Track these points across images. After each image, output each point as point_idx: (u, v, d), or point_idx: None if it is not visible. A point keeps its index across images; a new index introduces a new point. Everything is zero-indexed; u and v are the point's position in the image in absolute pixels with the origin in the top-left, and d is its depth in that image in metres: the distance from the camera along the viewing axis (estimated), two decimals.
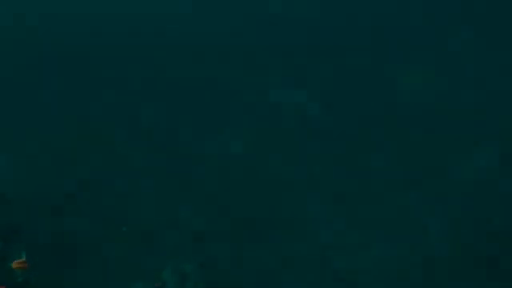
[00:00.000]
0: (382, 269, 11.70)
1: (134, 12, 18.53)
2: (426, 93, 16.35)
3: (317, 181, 13.29)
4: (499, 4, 19.06)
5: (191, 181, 12.86)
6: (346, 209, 12.68)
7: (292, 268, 11.46)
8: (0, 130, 13.91)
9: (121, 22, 17.93)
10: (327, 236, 12.04)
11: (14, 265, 7.54)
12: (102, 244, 11.27)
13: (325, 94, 15.89)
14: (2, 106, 14.62)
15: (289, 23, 18.25)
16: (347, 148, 14.20)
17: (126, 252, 11.25)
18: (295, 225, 12.14)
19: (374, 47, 18.01)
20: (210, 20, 18.66)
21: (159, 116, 14.55)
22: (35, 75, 15.61)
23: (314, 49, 17.67)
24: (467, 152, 14.29)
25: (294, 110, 15.31)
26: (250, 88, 15.88)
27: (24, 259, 7.52)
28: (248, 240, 11.58)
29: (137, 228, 11.75)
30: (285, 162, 13.71)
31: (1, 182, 12.47)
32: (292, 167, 13.57)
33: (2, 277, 7.75)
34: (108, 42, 17.00)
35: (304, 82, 16.33)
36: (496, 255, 12.00)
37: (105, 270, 10.92)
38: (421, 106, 15.84)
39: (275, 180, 13.21)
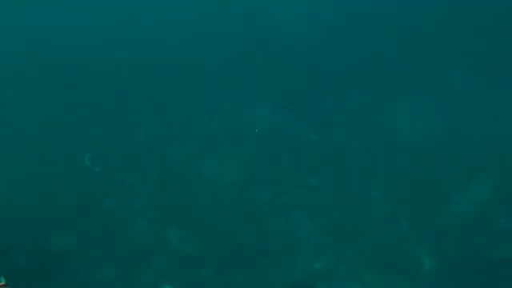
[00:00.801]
0: None
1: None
2: (423, 125, 16.38)
3: (310, 209, 13.19)
4: (498, 40, 19.22)
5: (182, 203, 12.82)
6: (338, 238, 12.53)
7: None
8: None
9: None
10: (316, 266, 11.87)
11: None
12: (87, 265, 11.16)
13: (324, 124, 15.93)
14: None
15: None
16: (344, 177, 14.15)
17: (111, 275, 11.12)
18: (284, 253, 12.01)
19: (373, 78, 18.17)
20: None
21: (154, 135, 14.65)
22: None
23: (314, 78, 17.81)
24: (463, 184, 14.19)
25: (291, 138, 15.37)
26: (247, 114, 16.04)
27: (3, 283, 7.35)
28: (235, 267, 11.42)
29: (125, 250, 11.64)
30: (278, 188, 13.68)
31: None
32: (286, 193, 13.55)
33: None
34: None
35: (304, 113, 16.41)
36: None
37: None
38: (417, 138, 15.83)
39: (267, 206, 13.16)
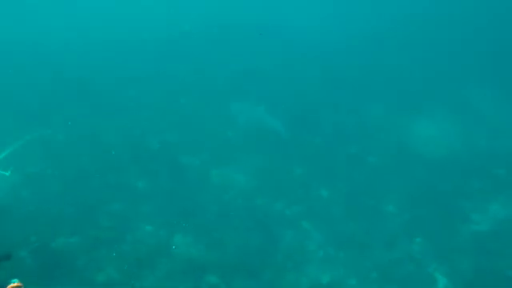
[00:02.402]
0: None
1: None
2: (441, 141, 15.99)
3: (320, 220, 12.89)
4: None
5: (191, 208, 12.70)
6: (348, 252, 12.16)
7: None
8: (7, 146, 14.26)
9: None
10: (324, 278, 11.50)
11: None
12: (93, 266, 11.08)
13: (338, 137, 15.72)
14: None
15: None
16: (356, 190, 13.84)
17: (115, 277, 10.99)
18: (291, 264, 11.70)
19: (391, 94, 17.97)
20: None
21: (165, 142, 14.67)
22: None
23: (330, 91, 17.71)
24: (482, 203, 13.69)
25: (304, 149, 15.19)
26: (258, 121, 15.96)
27: (19, 283, 7.35)
28: (240, 275, 11.15)
29: (130, 253, 11.53)
30: (289, 199, 13.45)
31: (6, 198, 12.64)
32: (297, 204, 13.30)
33: None
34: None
35: (317, 126, 16.24)
36: None
37: None
38: (435, 155, 15.46)
39: (277, 216, 12.92)
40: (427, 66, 19.01)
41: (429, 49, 19.82)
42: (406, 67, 19.10)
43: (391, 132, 16.07)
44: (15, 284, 7.17)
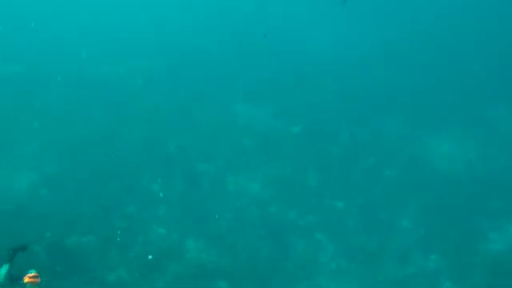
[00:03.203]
0: None
1: None
2: (460, 159, 15.75)
3: (334, 232, 12.77)
4: None
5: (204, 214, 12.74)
6: (361, 264, 12.00)
7: None
8: (27, 149, 14.59)
9: None
10: None
11: (26, 279, 7.53)
12: (104, 265, 11.17)
13: (356, 150, 15.62)
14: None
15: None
16: (372, 203, 13.68)
17: (125, 277, 11.06)
18: (302, 274, 11.60)
19: (411, 110, 17.80)
20: None
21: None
22: None
23: (346, 107, 17.65)
24: (501, 222, 13.38)
25: (321, 159, 15.13)
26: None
27: (36, 273, 7.51)
28: (249, 282, 11.09)
29: (142, 255, 11.59)
30: (303, 208, 13.37)
31: (23, 197, 12.90)
32: (311, 214, 13.21)
33: None
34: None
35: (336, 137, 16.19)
36: None
37: None
38: (453, 172, 15.20)
39: (290, 225, 12.85)
40: (445, 82, 18.80)
41: (446, 64, 19.63)
42: (424, 82, 18.92)
43: (408, 146, 15.87)
44: (32, 274, 7.31)
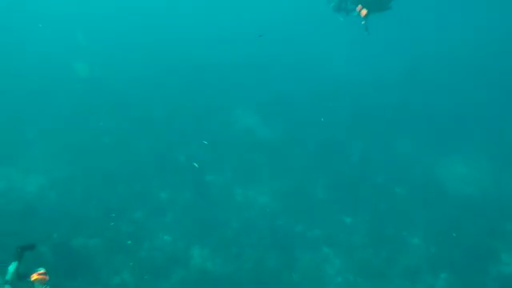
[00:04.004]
0: None
1: None
2: (473, 180, 15.54)
3: (341, 246, 12.59)
4: None
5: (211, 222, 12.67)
6: (368, 280, 11.77)
7: None
8: (39, 153, 14.78)
9: None
10: None
11: (35, 276, 7.56)
12: (109, 268, 11.12)
13: (366, 166, 15.54)
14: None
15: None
16: (380, 220, 13.48)
17: (129, 281, 10.98)
18: (307, 285, 11.40)
19: (421, 131, 17.73)
20: None
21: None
22: None
23: (359, 126, 17.65)
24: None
25: (330, 174, 15.04)
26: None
27: (44, 271, 7.55)
28: None
29: (147, 260, 11.53)
30: (311, 222, 13.24)
31: (32, 198, 13.00)
32: (319, 228, 13.06)
33: None
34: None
35: (347, 153, 16.13)
36: None
37: None
38: (466, 193, 14.98)
39: (297, 238, 12.71)
40: (461, 104, 18.74)
41: (462, 87, 19.62)
42: (439, 104, 18.89)
43: (420, 165, 15.74)
44: (41, 271, 7.32)
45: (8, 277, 7.65)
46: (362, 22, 8.27)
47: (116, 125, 15.80)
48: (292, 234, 12.74)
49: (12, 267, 7.78)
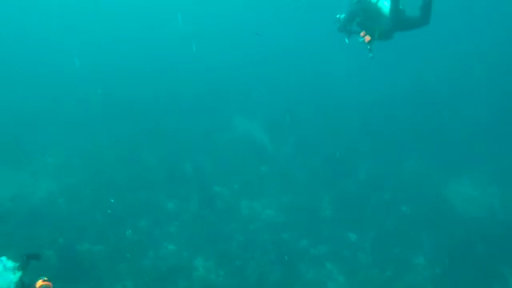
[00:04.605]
0: None
1: None
2: (480, 202, 15.42)
3: (345, 264, 12.52)
4: None
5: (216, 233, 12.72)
6: None
7: None
8: (50, 160, 15.02)
9: None
10: None
11: (39, 283, 7.59)
12: (112, 275, 11.19)
13: (373, 184, 15.51)
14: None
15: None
16: (385, 238, 13.37)
17: None
18: None
19: (430, 151, 17.68)
20: None
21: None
22: None
23: (367, 142, 17.67)
24: None
25: (337, 190, 15.04)
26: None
27: (47, 279, 7.60)
28: None
29: (150, 269, 11.58)
30: (315, 238, 13.21)
31: (41, 204, 13.20)
32: (323, 244, 13.03)
33: None
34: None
35: (354, 170, 16.13)
36: None
37: None
38: (473, 214, 14.82)
39: (301, 253, 12.68)
40: (471, 125, 18.67)
41: (472, 108, 19.56)
42: (449, 124, 18.85)
43: (427, 185, 15.61)
44: (45, 279, 7.36)
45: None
46: (368, 47, 8.39)
47: (127, 134, 16.04)
48: (296, 249, 12.72)
49: (16, 277, 7.79)
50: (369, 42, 8.35)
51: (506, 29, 23.69)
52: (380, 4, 8.38)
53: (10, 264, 7.50)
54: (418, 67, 22.44)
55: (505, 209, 15.21)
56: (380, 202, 14.63)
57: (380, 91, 20.42)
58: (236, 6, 27.11)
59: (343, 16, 8.82)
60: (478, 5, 24.99)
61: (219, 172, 15.00)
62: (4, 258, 7.11)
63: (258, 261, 12.16)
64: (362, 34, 8.43)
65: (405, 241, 13.30)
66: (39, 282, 7.30)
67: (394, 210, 14.35)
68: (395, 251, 12.94)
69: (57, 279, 10.21)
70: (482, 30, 24.70)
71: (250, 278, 11.67)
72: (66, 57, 20.76)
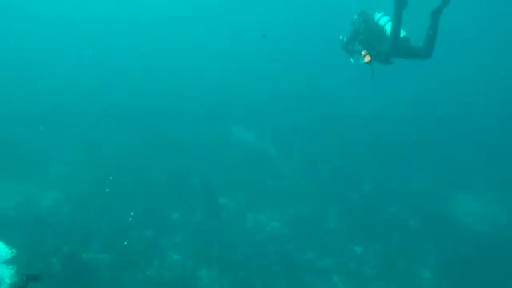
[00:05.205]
0: None
1: None
2: (486, 217, 15.34)
3: (351, 276, 12.42)
4: None
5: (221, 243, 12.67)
6: None
7: None
8: (57, 170, 15.10)
9: None
10: None
11: None
12: (116, 285, 11.12)
13: (379, 196, 15.49)
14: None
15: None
16: (391, 251, 13.29)
17: None
18: None
19: (436, 166, 17.66)
20: None
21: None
22: None
23: (374, 157, 17.67)
24: None
25: (342, 203, 15.00)
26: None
27: None
28: None
29: (155, 278, 11.52)
30: (321, 250, 13.14)
31: (47, 212, 13.22)
32: (328, 256, 12.94)
33: None
34: None
35: (360, 183, 16.12)
36: None
37: None
38: (480, 228, 14.76)
39: (306, 265, 12.60)
40: (479, 141, 18.69)
41: (480, 124, 19.62)
42: (456, 140, 18.88)
43: (433, 200, 15.58)
44: None
45: None
46: (369, 68, 8.32)
47: (133, 144, 16.13)
48: (301, 261, 12.65)
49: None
50: (369, 62, 8.22)
51: (508, 40, 23.88)
52: (385, 25, 8.32)
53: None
54: (424, 81, 22.57)
55: (510, 223, 15.15)
56: (386, 216, 14.59)
57: (386, 104, 20.54)
58: (237, 17, 27.49)
59: (346, 37, 8.76)
60: (480, 18, 25.21)
61: (225, 183, 15.00)
62: None
63: (263, 272, 12.08)
64: (363, 53, 8.29)
65: (411, 254, 13.22)
66: None
67: (400, 223, 14.29)
68: (401, 264, 12.84)
69: (61, 287, 10.30)
70: (485, 43, 24.90)
71: None
72: (73, 66, 21.03)
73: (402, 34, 8.14)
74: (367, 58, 8.24)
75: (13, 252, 7.35)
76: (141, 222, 12.97)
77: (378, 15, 8.51)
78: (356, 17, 8.69)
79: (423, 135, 19.24)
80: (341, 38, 8.90)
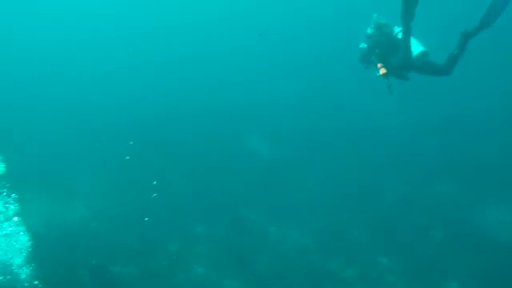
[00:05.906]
0: None
1: None
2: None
3: (375, 287, 12.32)
4: None
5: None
6: None
7: None
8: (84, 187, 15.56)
9: None
10: None
11: None
12: None
13: (404, 207, 15.34)
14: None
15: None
16: (418, 263, 13.12)
17: None
18: None
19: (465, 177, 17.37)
20: None
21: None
22: None
23: (404, 169, 17.54)
24: None
25: (367, 214, 14.94)
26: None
27: None
28: None
29: None
30: (345, 261, 13.08)
31: (75, 228, 13.62)
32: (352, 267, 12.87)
33: None
34: None
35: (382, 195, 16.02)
36: None
37: None
38: (510, 242, 14.42)
39: (330, 276, 12.56)
40: (504, 150, 18.32)
41: (504, 132, 19.24)
42: (481, 150, 18.57)
43: (461, 211, 15.31)
44: None
45: None
46: (386, 82, 8.15)
47: (158, 163, 16.52)
48: (324, 272, 12.62)
49: None
50: (385, 75, 8.05)
51: None
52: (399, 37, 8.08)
53: None
54: (453, 90, 22.29)
55: None
56: (411, 226, 14.42)
57: (413, 114, 20.40)
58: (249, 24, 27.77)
59: (365, 46, 8.53)
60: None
61: (247, 195, 15.17)
62: None
63: (286, 284, 12.11)
64: (379, 65, 8.12)
65: (436, 265, 13.01)
66: None
67: (426, 234, 14.11)
68: (426, 276, 12.63)
69: None
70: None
71: None
72: (96, 85, 21.73)
73: (420, 48, 7.99)
74: (383, 71, 8.07)
75: None
76: (166, 236, 13.25)
77: (397, 29, 8.30)
78: (373, 30, 8.48)
79: (451, 146, 18.98)
80: (360, 46, 8.63)
